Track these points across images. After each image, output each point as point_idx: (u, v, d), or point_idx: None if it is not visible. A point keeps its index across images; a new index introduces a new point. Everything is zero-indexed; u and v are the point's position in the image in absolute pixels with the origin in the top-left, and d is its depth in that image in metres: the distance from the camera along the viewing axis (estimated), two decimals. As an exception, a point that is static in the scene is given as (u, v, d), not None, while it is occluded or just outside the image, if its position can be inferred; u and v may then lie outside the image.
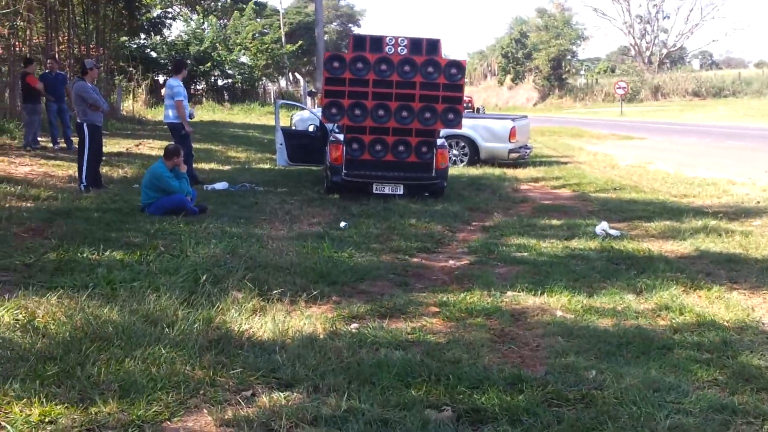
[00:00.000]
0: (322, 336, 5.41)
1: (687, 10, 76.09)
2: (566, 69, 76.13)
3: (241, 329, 5.43)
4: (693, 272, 7.37)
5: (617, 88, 57.40)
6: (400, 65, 11.98)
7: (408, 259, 8.19)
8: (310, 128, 16.02)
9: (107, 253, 7.54)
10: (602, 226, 9.54)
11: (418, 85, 12.03)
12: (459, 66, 12.22)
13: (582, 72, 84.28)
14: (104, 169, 13.93)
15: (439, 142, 12.58)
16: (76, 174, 12.28)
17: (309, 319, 5.74)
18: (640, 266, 7.61)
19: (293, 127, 20.10)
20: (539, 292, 6.62)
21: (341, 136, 12.41)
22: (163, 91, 17.21)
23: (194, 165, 14.40)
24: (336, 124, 13.01)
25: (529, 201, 12.56)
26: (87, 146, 11.96)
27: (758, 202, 11.88)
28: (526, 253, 8.36)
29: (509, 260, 8.05)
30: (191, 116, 13.92)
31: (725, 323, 5.79)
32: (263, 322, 5.61)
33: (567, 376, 4.68)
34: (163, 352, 4.80)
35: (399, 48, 12.04)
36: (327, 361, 4.85)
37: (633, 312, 6.07)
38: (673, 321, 5.87)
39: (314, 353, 4.98)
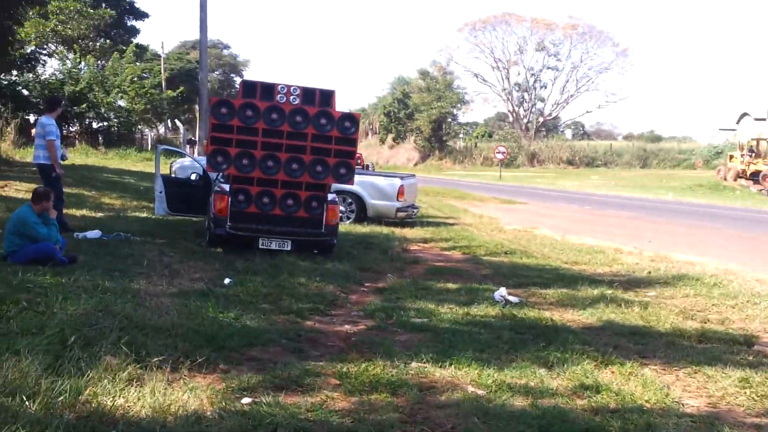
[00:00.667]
0: (209, 413, 4.73)
1: (563, 81, 78.98)
2: (446, 131, 77.57)
3: (114, 404, 4.68)
4: (601, 345, 7.06)
5: (497, 152, 58.72)
6: (292, 115, 11.46)
7: (300, 321, 7.58)
8: (192, 176, 15.24)
9: (-42, 306, 6.59)
10: (501, 292, 9.20)
11: (310, 136, 11.53)
12: (353, 119, 11.81)
13: (461, 135, 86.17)
14: (-37, 213, 12.75)
15: (330, 197, 12.05)
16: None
17: (193, 392, 5.04)
18: (547, 337, 7.25)
19: (173, 175, 19.20)
20: (446, 364, 6.13)
21: (227, 187, 11.71)
22: (33, 130, 16.03)
23: (64, 211, 13.31)
24: (221, 174, 12.32)
25: (420, 262, 12.17)
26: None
27: (649, 272, 11.89)
28: (425, 319, 7.88)
29: (409, 326, 7.55)
30: (63, 158, 12.92)
31: (646, 404, 5.44)
32: (141, 394, 4.88)
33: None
34: (21, 432, 4.02)
35: (291, 97, 11.54)
36: (217, 446, 4.18)
37: (548, 390, 5.65)
38: (592, 401, 5.48)
39: (202, 436, 4.31)
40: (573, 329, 7.76)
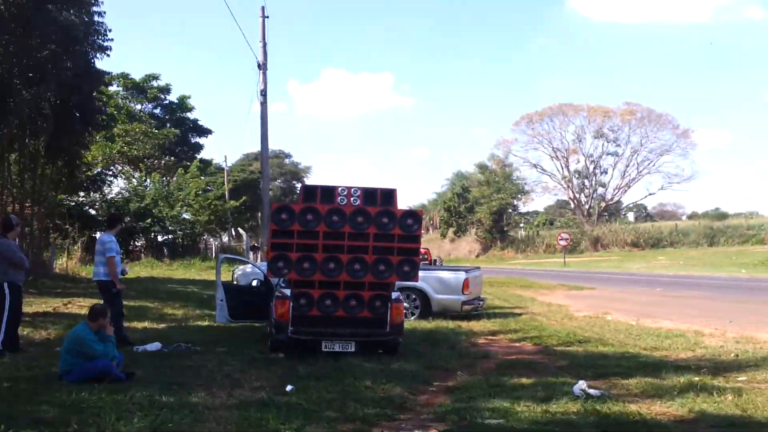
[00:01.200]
0: None
1: (623, 165, 78.33)
2: (507, 222, 77.14)
3: None
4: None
5: (560, 239, 57.87)
6: (353, 216, 11.16)
7: (367, 429, 7.06)
8: (254, 283, 15.03)
9: (9, 432, 6.27)
10: (580, 386, 8.57)
11: (372, 236, 11.19)
12: (415, 216, 11.48)
13: (522, 225, 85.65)
14: (26, 331, 12.70)
15: (394, 295, 11.63)
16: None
17: None
18: (637, 434, 6.60)
19: (235, 282, 19.07)
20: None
21: (288, 291, 11.40)
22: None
23: (125, 324, 13.18)
24: (281, 279, 12.05)
25: (490, 357, 11.60)
26: (7, 308, 10.84)
27: (736, 356, 11.10)
28: (502, 420, 7.29)
29: (484, 429, 6.99)
30: (124, 273, 12.86)
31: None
32: None
33: None
34: None
35: (352, 198, 11.29)
36: None
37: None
38: None
39: None
40: (664, 423, 7.09)
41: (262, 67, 30.20)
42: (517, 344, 13.31)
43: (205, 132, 56.41)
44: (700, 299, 21.73)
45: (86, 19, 22.20)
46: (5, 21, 18.79)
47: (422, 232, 11.59)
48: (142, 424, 6.62)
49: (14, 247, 10.98)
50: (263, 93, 30.23)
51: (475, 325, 15.90)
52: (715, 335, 13.39)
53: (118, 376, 8.92)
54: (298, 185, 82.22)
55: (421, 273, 17.08)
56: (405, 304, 16.12)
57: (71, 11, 21.26)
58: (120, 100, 46.99)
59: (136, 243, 40.66)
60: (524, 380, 9.40)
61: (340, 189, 11.30)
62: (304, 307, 11.25)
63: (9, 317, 10.82)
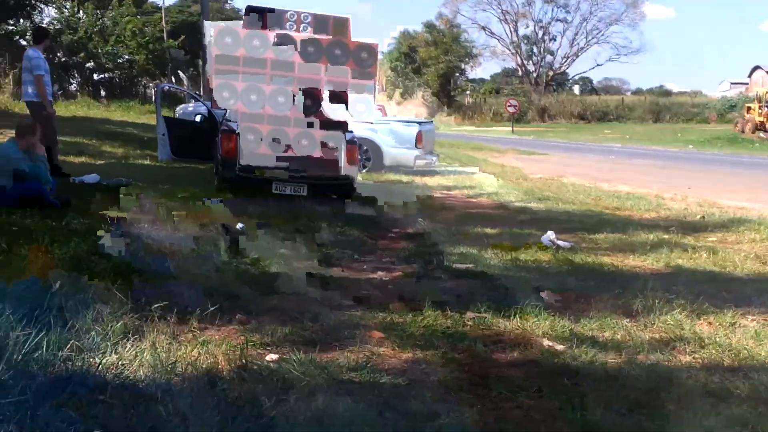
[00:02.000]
0: (226, 373, 3.69)
1: (572, 33, 77.25)
2: (454, 86, 76.08)
3: (105, 362, 3.65)
4: (682, 292, 5.92)
5: (508, 105, 57.36)
6: (304, 45, 10.30)
7: (326, 268, 6.51)
8: (197, 118, 14.14)
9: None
10: (549, 236, 8.12)
11: (324, 69, 10.38)
12: (371, 50, 10.60)
13: (468, 92, 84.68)
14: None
15: (349, 136, 10.91)
16: None
17: (205, 347, 4.01)
18: (619, 283, 6.17)
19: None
20: (509, 314, 5.07)
21: (235, 125, 10.59)
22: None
23: (60, 157, 12.24)
24: (227, 113, 11.20)
25: (449, 209, 11.10)
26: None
27: (702, 217, 10.79)
28: (471, 265, 6.82)
29: (453, 272, 6.51)
30: (54, 95, 11.79)
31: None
32: (138, 350, 3.84)
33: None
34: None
35: (302, 25, 10.41)
36: (239, 416, 3.15)
37: (640, 344, 4.58)
38: (697, 357, 4.42)
39: (218, 401, 3.27)
40: (642, 275, 6.69)
41: None
42: (474, 200, 12.84)
43: (142, -38, 53.28)
44: (655, 167, 21.57)
45: None
46: None
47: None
48: (79, 249, 5.94)
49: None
50: None
51: (429, 181, 15.38)
52: (676, 199, 13.10)
53: (52, 201, 8.15)
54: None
55: (372, 124, 16.57)
56: (357, 153, 15.54)
57: None
58: None
59: (70, 80, 38.72)
60: (488, 230, 8.93)
61: (288, 14, 10.40)
62: (252, 144, 10.51)
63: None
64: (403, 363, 4.09)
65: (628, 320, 5.09)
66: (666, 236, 8.77)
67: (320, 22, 10.49)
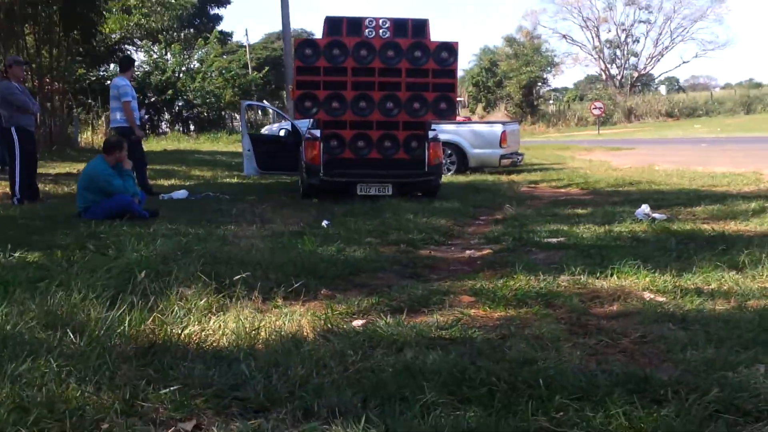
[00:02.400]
0: (310, 337, 3.57)
1: (656, 33, 75.47)
2: (537, 96, 75.20)
3: (187, 332, 3.57)
4: (792, 247, 5.53)
5: (593, 108, 56.27)
6: (383, 50, 10.31)
7: (414, 251, 6.37)
8: (281, 133, 14.24)
9: (17, 254, 5.61)
10: (644, 210, 7.81)
11: (405, 71, 10.33)
12: (451, 49, 10.51)
13: (551, 101, 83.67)
14: (47, 187, 12.05)
15: (431, 134, 10.79)
16: (9, 190, 10.36)
17: (290, 317, 3.89)
18: (723, 242, 5.82)
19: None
20: (605, 274, 4.81)
21: (318, 133, 10.60)
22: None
23: (150, 182, 12.46)
24: (311, 120, 11.25)
25: (538, 198, 10.83)
26: (18, 153, 10.02)
27: (807, 186, 10.21)
28: (563, 238, 6.57)
29: (545, 246, 6.28)
30: (141, 119, 12.05)
31: None
32: (221, 322, 3.76)
33: (718, 376, 2.88)
34: (53, 365, 2.92)
35: (381, 30, 10.39)
36: (323, 371, 3.02)
37: (751, 292, 4.27)
38: (813, 301, 4.09)
39: (301, 360, 3.15)
40: (746, 237, 6.31)
41: None
42: (563, 189, 12.51)
43: (223, 2, 54.25)
44: (750, 151, 20.64)
45: None
46: None
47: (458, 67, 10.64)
48: (166, 247, 5.94)
49: (16, 89, 10.13)
50: None
51: (516, 178, 15.07)
52: (776, 174, 12.47)
53: (141, 213, 8.26)
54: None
55: (455, 127, 16.41)
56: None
57: None
58: (135, -30, 45.31)
59: (161, 117, 39.82)
60: (579, 210, 8.65)
61: (367, 21, 10.42)
62: (335, 149, 10.53)
63: (22, 164, 10.05)
64: (495, 321, 3.91)
65: (734, 272, 4.77)
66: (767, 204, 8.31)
67: (399, 26, 10.46)
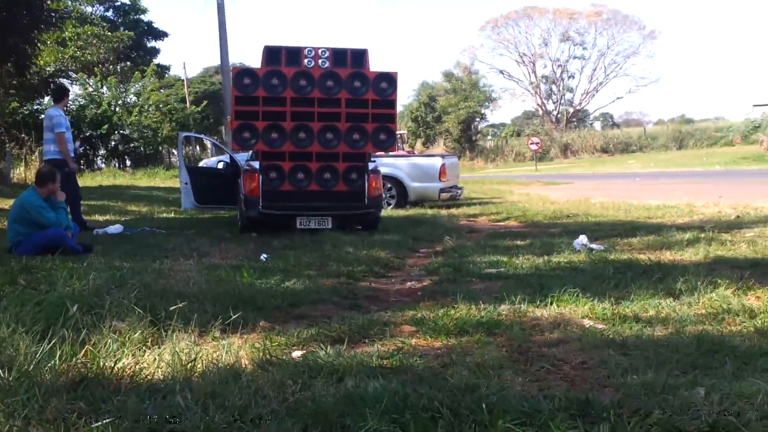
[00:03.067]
0: (249, 368, 3.49)
1: (591, 69, 77.21)
2: (476, 132, 76.08)
3: (120, 365, 3.46)
4: (725, 275, 5.63)
5: (530, 143, 57.23)
6: (322, 80, 10.25)
7: (354, 283, 6.34)
8: (220, 165, 14.09)
9: (-59, 290, 5.39)
10: (581, 240, 7.90)
11: (344, 102, 10.30)
12: (390, 79, 10.51)
13: (489, 137, 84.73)
14: (-24, 224, 11.65)
15: (371, 166, 10.78)
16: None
17: (228, 349, 3.80)
18: (657, 272, 5.90)
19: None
20: (544, 303, 4.83)
21: (256, 164, 10.51)
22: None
23: (85, 217, 12.18)
24: (250, 152, 11.16)
25: (477, 231, 10.89)
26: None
27: (738, 217, 10.49)
28: (502, 269, 6.60)
29: (485, 276, 6.29)
30: (76, 151, 11.79)
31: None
32: (156, 355, 3.65)
33: (659, 399, 2.88)
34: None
35: (320, 60, 10.32)
36: (262, 401, 2.95)
37: (687, 318, 4.33)
38: (746, 325, 4.15)
39: (240, 391, 3.07)
40: (683, 265, 6.41)
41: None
42: (502, 223, 12.60)
43: (160, 35, 53.64)
44: (683, 184, 21.16)
45: None
46: None
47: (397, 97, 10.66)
48: (99, 281, 5.78)
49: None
50: None
51: (456, 211, 15.16)
52: (708, 206, 12.76)
53: (74, 247, 8.03)
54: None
55: (394, 160, 16.46)
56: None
57: None
58: (70, 2, 44.62)
59: (96, 152, 39.10)
60: (518, 242, 8.71)
61: (306, 50, 10.34)
62: (275, 181, 10.42)
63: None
64: (436, 350, 3.88)
65: (671, 300, 4.83)
66: (702, 234, 8.48)
67: (338, 56, 10.41)
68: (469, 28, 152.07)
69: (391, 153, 13.55)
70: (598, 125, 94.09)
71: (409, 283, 6.32)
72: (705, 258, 6.88)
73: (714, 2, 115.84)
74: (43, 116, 33.85)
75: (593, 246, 7.74)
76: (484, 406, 2.78)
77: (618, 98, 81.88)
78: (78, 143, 12.62)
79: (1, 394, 2.93)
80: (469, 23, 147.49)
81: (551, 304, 4.81)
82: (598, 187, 22.55)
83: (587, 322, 4.31)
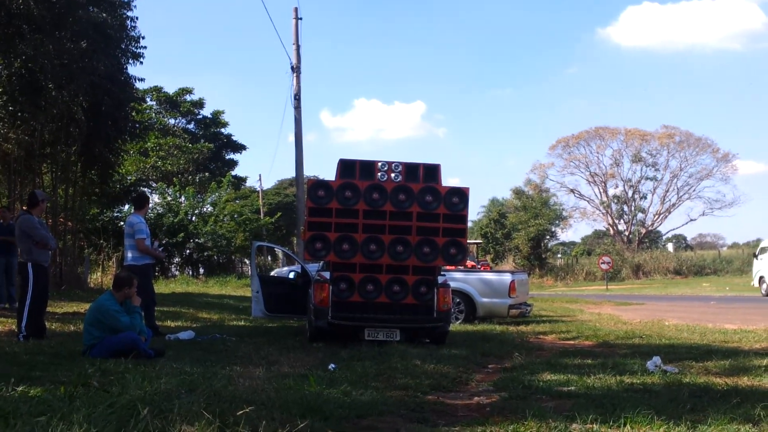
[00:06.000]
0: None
1: (663, 190, 76.55)
2: (545, 249, 75.59)
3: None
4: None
5: (601, 263, 56.32)
6: (395, 193, 10.44)
7: (421, 396, 6.27)
8: (291, 275, 14.29)
9: (19, 388, 5.54)
10: (655, 362, 7.72)
11: (415, 215, 10.44)
12: (461, 194, 10.64)
13: (559, 254, 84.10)
14: (54, 325, 11.99)
15: (440, 279, 10.81)
16: (15, 327, 10.32)
17: (295, 458, 3.80)
18: (734, 397, 5.70)
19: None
20: (617, 424, 4.71)
21: (327, 275, 10.64)
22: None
23: (158, 323, 12.43)
24: (321, 263, 11.31)
25: (547, 348, 10.70)
26: (30, 289, 10.04)
27: (819, 342, 10.09)
28: (573, 387, 6.47)
29: (555, 394, 6.17)
30: (155, 251, 12.13)
31: None
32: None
33: None
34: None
35: (393, 174, 10.54)
36: None
37: (767, 445, 4.17)
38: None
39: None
40: (760, 390, 6.19)
41: (296, 70, 28.75)
42: (572, 341, 12.36)
43: (239, 148, 55.62)
44: (759, 309, 20.54)
45: (118, 23, 21.78)
46: (35, 18, 18.32)
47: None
48: (170, 385, 5.86)
49: (37, 223, 10.26)
50: (296, 97, 28.68)
51: (525, 328, 14.96)
52: (788, 332, 12.35)
53: (147, 351, 8.18)
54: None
55: (464, 275, 16.46)
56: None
57: (103, 12, 20.90)
58: (153, 114, 46.67)
59: (171, 260, 40.02)
60: (589, 360, 8.54)
61: (380, 164, 10.57)
62: (344, 293, 10.52)
63: (33, 300, 10.03)
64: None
65: (750, 425, 4.66)
66: (782, 360, 8.20)
67: (411, 170, 10.59)
68: (540, 146, 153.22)
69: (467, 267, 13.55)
70: (670, 246, 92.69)
71: (477, 399, 6.23)
72: (785, 384, 6.64)
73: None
74: (122, 223, 35.16)
75: (667, 368, 7.55)
76: None
77: (691, 220, 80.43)
78: (157, 243, 12.98)
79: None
80: (541, 142, 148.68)
81: (625, 425, 4.69)
82: (672, 309, 22.04)
83: (662, 446, 4.19)
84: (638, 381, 6.77)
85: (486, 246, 79.13)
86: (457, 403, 6.06)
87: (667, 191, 77.46)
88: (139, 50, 22.72)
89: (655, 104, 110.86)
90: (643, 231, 78.93)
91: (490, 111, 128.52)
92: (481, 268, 27.84)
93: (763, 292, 34.14)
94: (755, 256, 38.31)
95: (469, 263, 28.20)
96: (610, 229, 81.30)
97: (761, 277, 35.17)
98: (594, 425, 4.70)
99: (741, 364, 8.08)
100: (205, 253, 40.08)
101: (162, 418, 4.41)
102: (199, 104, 51.50)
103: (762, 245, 37.97)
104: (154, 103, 48.59)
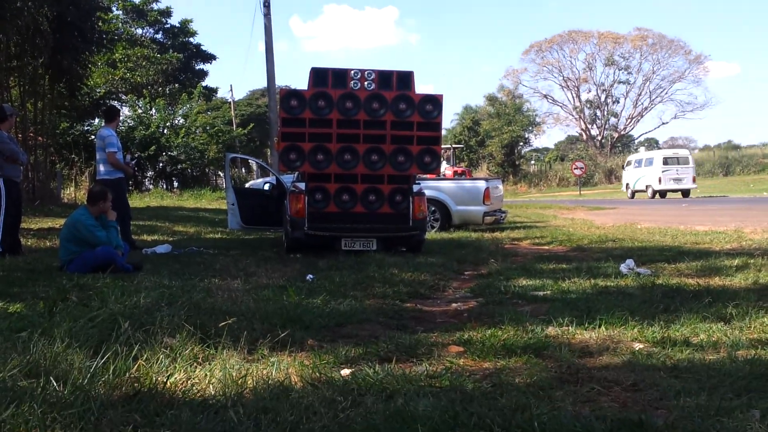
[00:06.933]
0: (299, 385, 3.52)
1: (636, 94, 76.47)
2: (519, 156, 75.75)
3: (172, 381, 3.51)
4: (779, 300, 5.56)
5: (574, 168, 56.76)
6: (368, 102, 10.33)
7: (399, 303, 6.34)
8: (266, 186, 14.24)
9: (-3, 305, 5.54)
10: (628, 264, 7.85)
11: (389, 124, 10.37)
12: (435, 101, 10.54)
13: (533, 161, 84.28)
14: (29, 241, 11.94)
15: (416, 188, 10.83)
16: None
17: (277, 366, 3.84)
18: (706, 297, 5.82)
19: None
20: (593, 325, 4.81)
21: (302, 186, 10.61)
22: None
23: (133, 237, 12.38)
24: (296, 174, 11.26)
25: (521, 254, 10.83)
26: (3, 204, 9.90)
27: (788, 242, 10.28)
28: (548, 292, 6.57)
29: (531, 299, 6.26)
30: (127, 165, 11.99)
31: None
32: (207, 371, 3.70)
33: (714, 421, 2.86)
34: (37, 411, 2.86)
35: (366, 83, 10.40)
36: (313, 417, 2.97)
37: (739, 342, 4.27)
38: (804, 351, 4.08)
39: (291, 407, 3.10)
40: (733, 290, 6.33)
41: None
42: (547, 246, 12.52)
43: (208, 57, 54.42)
44: (730, 210, 20.85)
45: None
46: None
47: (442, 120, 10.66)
48: (149, 299, 5.87)
49: (7, 138, 10.09)
50: (266, 3, 28.07)
51: (500, 235, 15.10)
52: (757, 233, 12.54)
53: (124, 266, 8.17)
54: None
55: (438, 183, 16.49)
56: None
57: None
58: (120, 24, 45.52)
59: (144, 174, 39.74)
60: (564, 265, 8.67)
61: (353, 72, 10.42)
62: (320, 203, 10.51)
63: (6, 215, 9.93)
64: (485, 370, 3.87)
65: (722, 324, 4.78)
66: (751, 260, 8.36)
67: (384, 78, 10.47)
68: (513, 52, 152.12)
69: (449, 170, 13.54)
70: (643, 150, 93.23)
71: (454, 305, 6.32)
72: (755, 284, 6.77)
73: (762, 27, 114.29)
74: (93, 137, 34.67)
75: (640, 270, 7.68)
76: (536, 424, 2.79)
77: (663, 123, 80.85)
78: (129, 156, 12.82)
79: (58, 407, 2.99)
80: (514, 47, 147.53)
81: (599, 326, 4.78)
82: (644, 213, 22.33)
83: (637, 345, 4.28)
84: (612, 284, 6.89)
85: (460, 154, 79.13)
86: (434, 310, 6.14)
87: (639, 95, 77.46)
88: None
89: (628, 5, 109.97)
90: (616, 135, 79.23)
91: (464, 13, 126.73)
92: (467, 176, 27.97)
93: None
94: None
95: (453, 170, 28.30)
96: (583, 134, 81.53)
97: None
98: (570, 327, 4.80)
99: (712, 264, 8.22)
100: (179, 166, 39.80)
101: (143, 331, 4.43)
102: (167, 13, 50.12)
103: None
104: (120, 12, 47.30)
